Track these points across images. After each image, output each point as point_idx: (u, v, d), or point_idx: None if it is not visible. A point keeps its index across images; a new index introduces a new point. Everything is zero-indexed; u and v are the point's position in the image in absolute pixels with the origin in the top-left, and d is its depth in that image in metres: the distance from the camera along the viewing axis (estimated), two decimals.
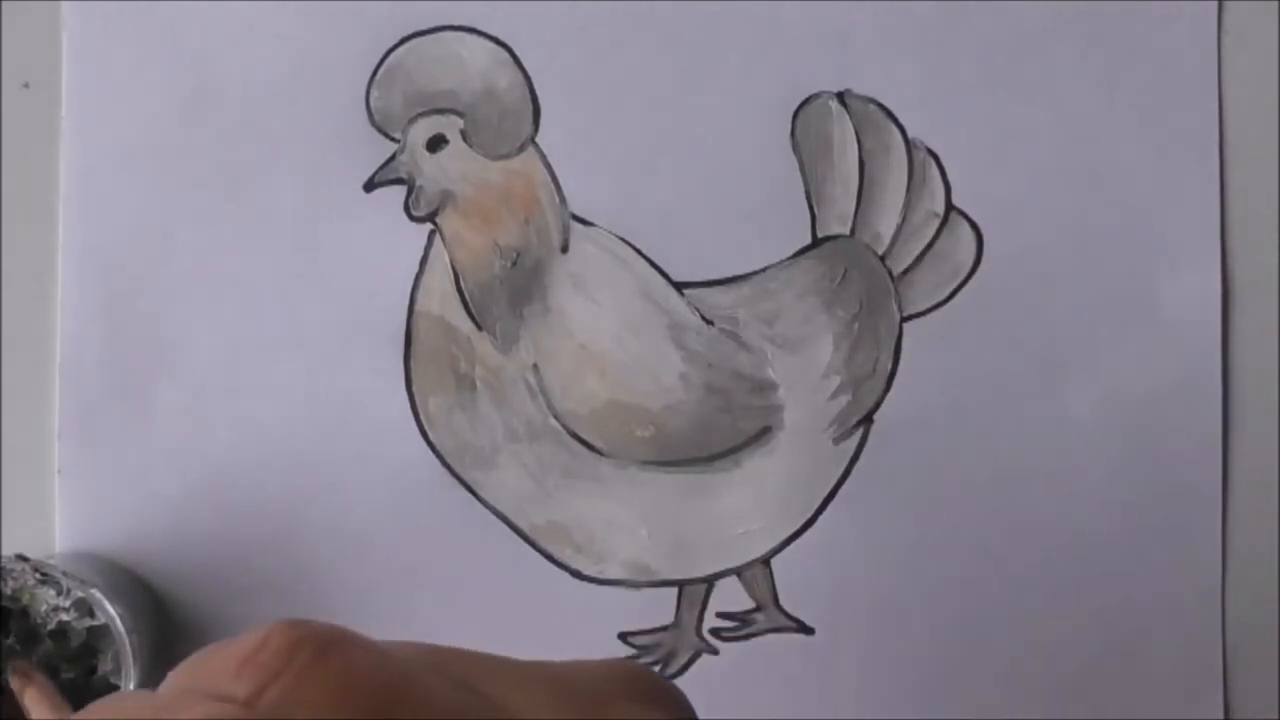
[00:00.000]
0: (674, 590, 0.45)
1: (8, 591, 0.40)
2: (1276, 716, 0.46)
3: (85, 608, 0.40)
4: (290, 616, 0.27)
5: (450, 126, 0.45)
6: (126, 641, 0.39)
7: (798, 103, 0.46)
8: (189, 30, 0.45)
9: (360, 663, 0.28)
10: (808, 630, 0.46)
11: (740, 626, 0.46)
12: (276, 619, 0.27)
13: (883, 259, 0.46)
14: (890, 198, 0.46)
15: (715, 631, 0.46)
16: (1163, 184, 0.46)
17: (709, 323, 0.45)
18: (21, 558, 0.39)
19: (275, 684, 0.26)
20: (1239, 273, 0.47)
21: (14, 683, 0.40)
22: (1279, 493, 0.46)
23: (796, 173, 0.46)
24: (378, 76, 0.45)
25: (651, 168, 0.45)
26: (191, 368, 0.44)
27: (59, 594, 0.40)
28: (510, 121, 0.45)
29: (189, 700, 0.27)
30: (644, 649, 0.45)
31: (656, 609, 0.45)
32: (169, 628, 0.44)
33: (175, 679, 0.28)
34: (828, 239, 0.46)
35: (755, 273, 0.46)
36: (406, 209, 0.45)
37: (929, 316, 0.46)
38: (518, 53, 0.45)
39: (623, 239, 0.45)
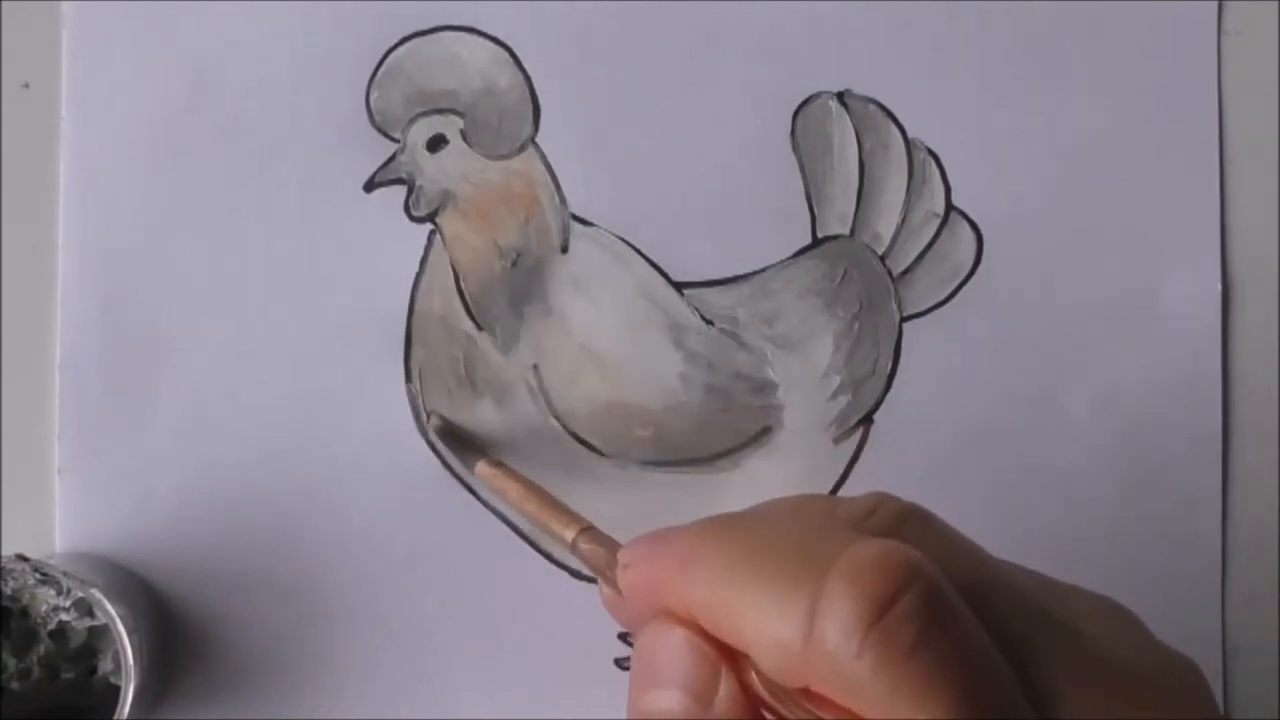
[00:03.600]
0: None
1: (8, 591, 0.40)
2: (1277, 716, 0.46)
3: (85, 608, 0.40)
4: (882, 492, 0.30)
5: (450, 126, 0.45)
6: (126, 641, 0.39)
7: (798, 103, 0.46)
8: (189, 30, 0.45)
9: (957, 536, 0.30)
10: None
11: None
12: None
13: (883, 259, 0.46)
14: (890, 198, 0.46)
15: None
16: (1163, 184, 0.46)
17: (709, 323, 0.45)
18: (21, 558, 0.39)
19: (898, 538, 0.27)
20: (1239, 273, 0.47)
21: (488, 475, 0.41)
22: (1279, 493, 0.46)
23: (796, 173, 0.46)
24: (378, 76, 0.45)
25: (651, 168, 0.45)
26: (191, 367, 0.44)
27: (59, 594, 0.40)
28: (510, 121, 0.45)
29: (835, 530, 0.28)
30: None
31: None
32: (169, 628, 0.44)
33: (769, 515, 0.30)
34: (828, 239, 0.46)
35: (755, 273, 0.46)
36: (406, 209, 0.45)
37: (929, 316, 0.46)
38: (518, 53, 0.45)
39: (623, 239, 0.45)
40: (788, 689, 0.27)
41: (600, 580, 0.35)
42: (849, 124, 0.46)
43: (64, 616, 0.40)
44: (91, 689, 0.41)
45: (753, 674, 0.28)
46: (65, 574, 0.39)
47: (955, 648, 0.25)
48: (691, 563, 0.29)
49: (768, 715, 0.28)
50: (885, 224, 0.46)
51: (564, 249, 0.45)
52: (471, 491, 0.45)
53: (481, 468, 0.42)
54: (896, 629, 0.25)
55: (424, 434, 0.45)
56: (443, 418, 0.44)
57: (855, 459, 0.46)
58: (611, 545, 0.34)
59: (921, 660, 0.25)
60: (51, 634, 0.40)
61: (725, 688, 0.28)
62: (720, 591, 0.28)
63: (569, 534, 0.36)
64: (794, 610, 0.26)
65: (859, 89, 0.46)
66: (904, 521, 0.30)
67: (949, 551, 0.29)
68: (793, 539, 0.28)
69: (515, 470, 0.41)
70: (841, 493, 0.46)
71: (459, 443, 0.44)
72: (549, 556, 0.45)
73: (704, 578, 0.28)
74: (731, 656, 0.28)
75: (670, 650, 0.29)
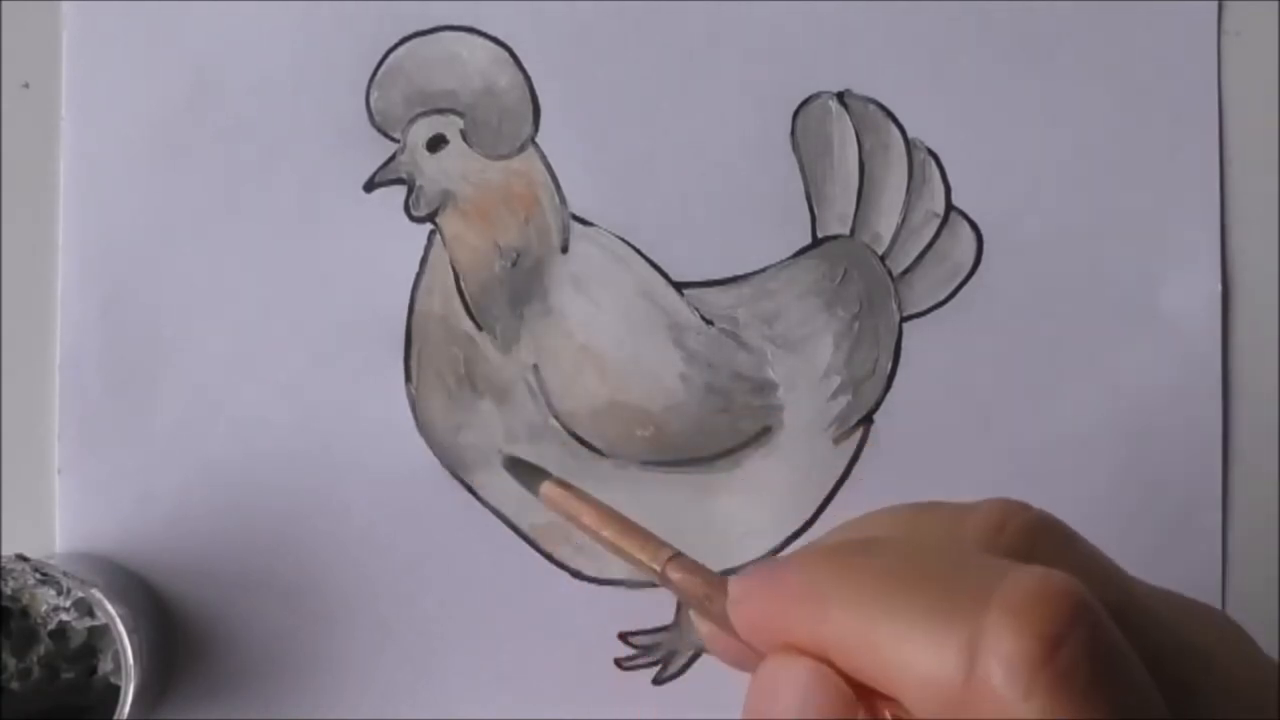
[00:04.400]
0: None
1: (8, 591, 0.40)
2: (1276, 715, 0.46)
3: (85, 608, 0.40)
4: (1009, 500, 0.28)
5: (450, 126, 0.45)
6: (127, 641, 0.39)
7: (798, 103, 0.46)
8: (189, 30, 0.45)
9: (1097, 554, 0.28)
10: None
11: None
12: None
13: (883, 259, 0.46)
14: (890, 198, 0.46)
15: None
16: (1163, 184, 0.46)
17: (709, 323, 0.45)
18: (21, 558, 0.39)
19: (1029, 556, 0.26)
20: (1239, 273, 0.47)
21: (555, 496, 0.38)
22: (1279, 493, 0.46)
23: (796, 173, 0.46)
24: (378, 76, 0.45)
25: (651, 168, 0.45)
26: (191, 367, 0.44)
27: (59, 594, 0.40)
28: (510, 121, 0.45)
29: (978, 556, 0.27)
30: (644, 649, 0.45)
31: (656, 609, 0.45)
32: (169, 628, 0.44)
33: (891, 543, 0.28)
34: (828, 239, 0.46)
35: (755, 273, 0.46)
36: (406, 209, 0.45)
37: (929, 316, 0.46)
38: (518, 53, 0.45)
39: (623, 239, 0.45)
40: None
41: (696, 612, 0.32)
42: (849, 124, 0.46)
43: (64, 616, 0.40)
44: (91, 689, 0.41)
45: (885, 713, 0.26)
46: (65, 574, 0.39)
47: (1127, 691, 0.24)
48: (820, 596, 0.27)
49: None
50: (885, 224, 0.46)
51: (564, 249, 0.45)
52: (471, 491, 0.45)
53: (546, 489, 0.39)
54: (1069, 670, 0.23)
55: (424, 434, 0.45)
56: (509, 456, 0.43)
57: (855, 459, 0.46)
58: (705, 574, 0.32)
59: (1096, 704, 0.23)
60: (51, 634, 0.40)
61: None
62: (859, 627, 0.26)
63: (656, 562, 0.33)
64: (951, 647, 0.24)
65: (859, 89, 0.46)
66: (1039, 537, 0.28)
67: (1093, 572, 0.27)
68: (933, 565, 0.26)
69: (584, 493, 0.38)
70: (842, 492, 0.46)
71: (522, 470, 0.42)
72: (549, 556, 0.45)
73: (837, 613, 0.26)
74: (865, 697, 0.26)
75: (800, 684, 0.27)
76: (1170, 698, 0.25)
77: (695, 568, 0.32)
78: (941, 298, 0.46)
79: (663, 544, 0.33)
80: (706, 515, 0.45)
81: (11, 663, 0.40)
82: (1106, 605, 0.25)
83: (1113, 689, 0.24)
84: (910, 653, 0.25)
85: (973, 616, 0.24)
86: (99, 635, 0.41)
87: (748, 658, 0.29)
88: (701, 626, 0.32)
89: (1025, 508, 0.29)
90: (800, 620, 0.27)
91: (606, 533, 0.36)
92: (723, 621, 0.30)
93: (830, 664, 0.27)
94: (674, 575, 0.32)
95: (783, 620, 0.28)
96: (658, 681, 0.45)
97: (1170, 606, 0.28)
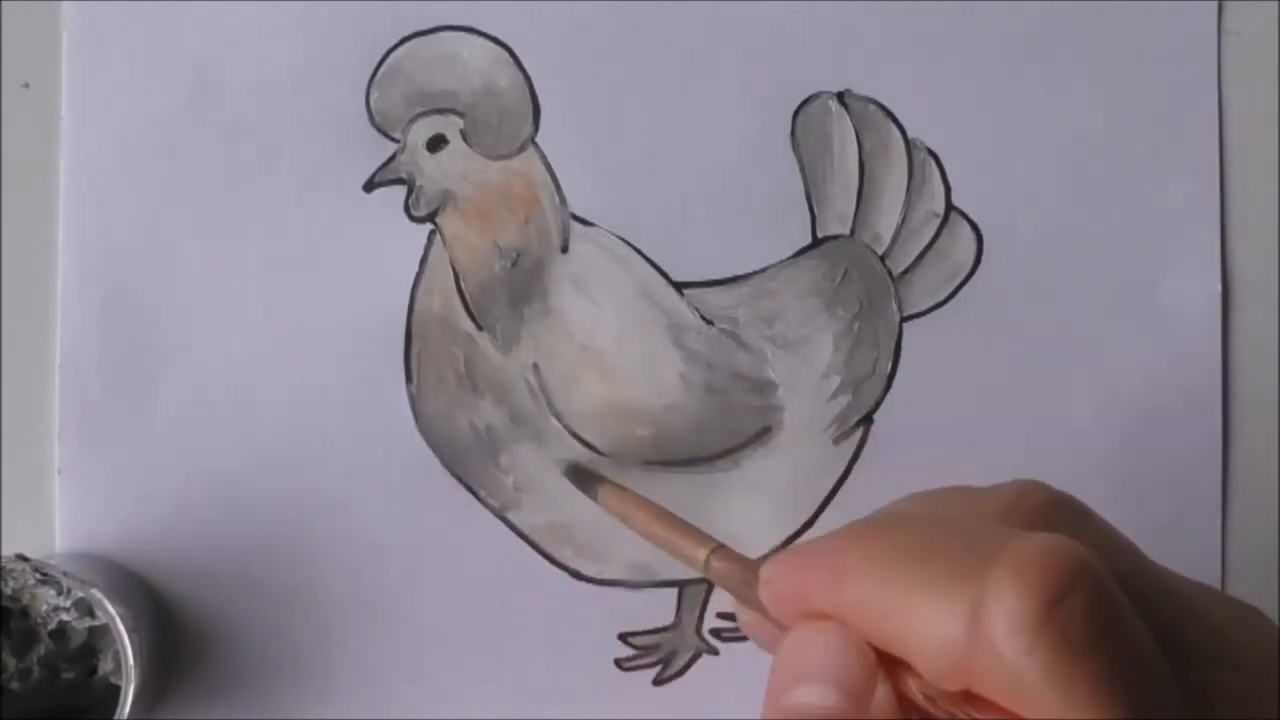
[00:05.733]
0: (674, 590, 0.45)
1: (8, 591, 0.40)
2: (1277, 715, 0.46)
3: (85, 608, 0.40)
4: (1029, 480, 0.29)
5: (450, 126, 0.45)
6: (127, 641, 0.39)
7: (798, 103, 0.46)
8: (189, 30, 0.45)
9: (1112, 530, 0.29)
10: None
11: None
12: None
13: (883, 259, 0.46)
14: (890, 198, 0.46)
15: (715, 632, 0.46)
16: (1163, 184, 0.46)
17: (709, 323, 0.45)
18: (21, 558, 0.39)
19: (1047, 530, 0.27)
20: (1239, 273, 0.47)
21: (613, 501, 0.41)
22: (1279, 493, 0.46)
23: (796, 173, 0.46)
24: (378, 76, 0.45)
25: (651, 168, 0.45)
26: (191, 367, 0.44)
27: (59, 594, 0.40)
28: (510, 121, 0.45)
29: (989, 526, 0.27)
30: (644, 649, 0.45)
31: (656, 609, 0.45)
32: (169, 628, 0.44)
33: (912, 515, 0.29)
34: (828, 239, 0.46)
35: (755, 273, 0.46)
36: (406, 209, 0.45)
37: (929, 316, 0.46)
38: (518, 53, 0.45)
39: (623, 239, 0.45)
40: (948, 693, 0.26)
41: (737, 601, 0.33)
42: (849, 124, 0.46)
43: (64, 616, 0.40)
44: (91, 689, 0.41)
45: (909, 681, 0.27)
46: (65, 574, 0.39)
47: (1127, 651, 0.25)
48: (841, 568, 0.28)
49: None
50: (885, 224, 0.46)
51: (564, 249, 0.45)
52: (471, 491, 0.45)
53: (605, 493, 0.42)
54: (1069, 626, 0.24)
55: (424, 434, 0.45)
56: (570, 464, 0.44)
57: (855, 459, 0.46)
58: (746, 563, 0.33)
59: (1095, 660, 0.24)
60: (51, 634, 0.40)
61: (883, 691, 0.27)
62: (875, 593, 0.27)
63: (700, 554, 0.35)
64: (957, 607, 0.25)
65: (859, 89, 0.46)
66: (1056, 512, 0.29)
67: (1106, 545, 0.28)
68: (946, 536, 0.27)
69: (639, 496, 0.41)
70: (842, 492, 0.46)
71: (582, 475, 0.44)
72: (549, 556, 0.45)
73: (856, 582, 0.27)
74: (886, 665, 0.27)
75: (826, 645, 0.27)
76: (1180, 669, 0.26)
77: (736, 558, 0.34)
78: (941, 298, 0.46)
79: (708, 538, 0.35)
80: (706, 515, 0.45)
81: (11, 663, 0.40)
82: (1118, 576, 0.26)
83: (1112, 646, 0.24)
84: (920, 615, 0.26)
85: (978, 579, 0.25)
86: (99, 635, 0.41)
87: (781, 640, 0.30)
88: (742, 615, 0.33)
89: (1044, 487, 0.29)
90: (823, 591, 0.28)
91: (657, 530, 0.38)
92: (759, 606, 0.31)
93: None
94: (716, 565, 0.34)
95: (807, 593, 0.29)
96: (658, 681, 0.45)
97: (1185, 585, 0.29)
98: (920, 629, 0.26)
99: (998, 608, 0.24)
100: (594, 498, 0.43)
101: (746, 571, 0.32)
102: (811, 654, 0.28)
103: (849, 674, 0.27)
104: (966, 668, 0.25)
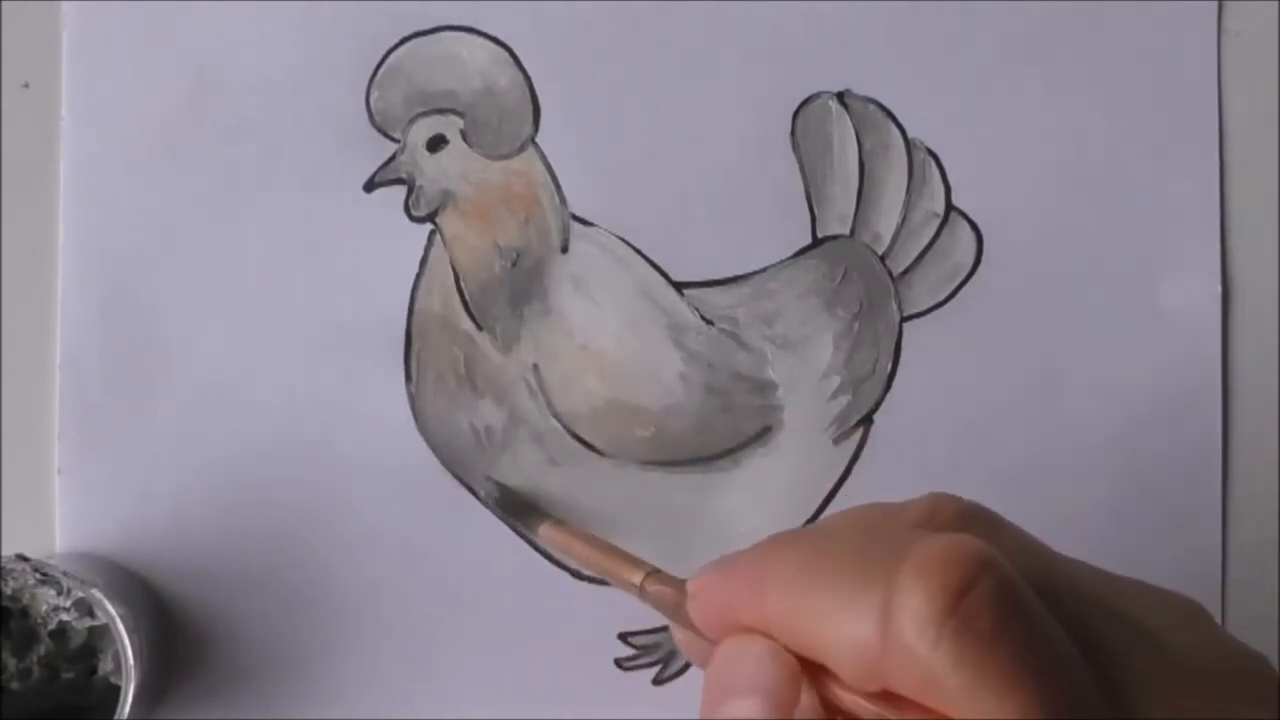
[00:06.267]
0: None
1: (8, 591, 0.40)
2: (1276, 715, 0.46)
3: (85, 608, 0.40)
4: (941, 493, 0.30)
5: (450, 126, 0.45)
6: (127, 641, 0.39)
7: (798, 103, 0.46)
8: (189, 30, 0.45)
9: (1022, 534, 0.30)
10: None
11: None
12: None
13: (883, 259, 0.46)
14: (890, 198, 0.46)
15: None
16: (1163, 184, 0.46)
17: (709, 323, 0.45)
18: (21, 558, 0.39)
19: None
20: (1239, 273, 0.47)
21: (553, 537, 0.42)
22: (1279, 493, 0.46)
23: (796, 173, 0.46)
24: (378, 76, 0.45)
25: (651, 168, 0.45)
26: (191, 367, 0.44)
27: (59, 594, 0.40)
28: (510, 121, 0.45)
29: (901, 531, 0.28)
30: (644, 649, 0.45)
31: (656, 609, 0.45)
32: (169, 628, 0.44)
33: (830, 527, 0.30)
34: (828, 239, 0.46)
35: (755, 273, 0.46)
36: (406, 209, 0.45)
37: (929, 316, 0.46)
38: (518, 53, 0.45)
39: (623, 239, 0.45)
40: (868, 694, 0.27)
41: (671, 622, 0.34)
42: (849, 124, 0.46)
43: (64, 616, 0.40)
44: (91, 689, 0.41)
45: (832, 686, 0.28)
46: (65, 574, 0.39)
47: (1033, 638, 0.25)
48: (761, 578, 0.29)
49: None
50: (885, 224, 0.46)
51: (564, 249, 0.45)
52: (471, 491, 0.45)
53: (545, 530, 0.42)
54: (973, 616, 0.25)
55: (424, 434, 0.45)
56: (498, 484, 0.44)
57: (855, 459, 0.46)
58: (678, 584, 0.34)
59: (1001, 648, 0.25)
60: (51, 634, 0.40)
61: (807, 698, 0.28)
62: (793, 601, 0.27)
63: (635, 579, 0.36)
64: (867, 609, 0.26)
65: (859, 89, 0.46)
66: (968, 521, 0.30)
67: (1017, 549, 0.29)
68: (860, 543, 0.28)
69: (577, 529, 0.42)
70: (842, 492, 0.46)
71: (517, 507, 0.44)
72: (549, 556, 0.45)
73: (775, 591, 0.28)
74: (810, 671, 0.28)
75: (751, 659, 0.28)
76: (1100, 665, 0.26)
77: (669, 580, 0.34)
78: (941, 298, 0.46)
79: (642, 563, 0.36)
80: (706, 515, 0.45)
81: (11, 663, 0.40)
82: (1028, 575, 0.26)
83: (1018, 635, 0.25)
84: (834, 620, 0.26)
85: (885, 580, 0.26)
86: (99, 635, 0.41)
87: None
88: (677, 634, 0.34)
89: (955, 499, 0.30)
90: (745, 604, 0.29)
91: (596, 560, 0.39)
92: (690, 623, 0.31)
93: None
94: (650, 589, 0.35)
95: (731, 606, 0.29)
96: (658, 681, 0.45)
97: (1108, 582, 0.29)
98: (835, 634, 0.26)
99: (904, 606, 0.25)
100: (532, 531, 0.43)
101: (679, 593, 0.33)
102: (738, 668, 0.28)
103: (774, 685, 0.28)
104: (881, 668, 0.26)
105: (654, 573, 0.35)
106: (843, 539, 0.28)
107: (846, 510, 0.32)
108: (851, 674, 0.27)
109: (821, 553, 0.28)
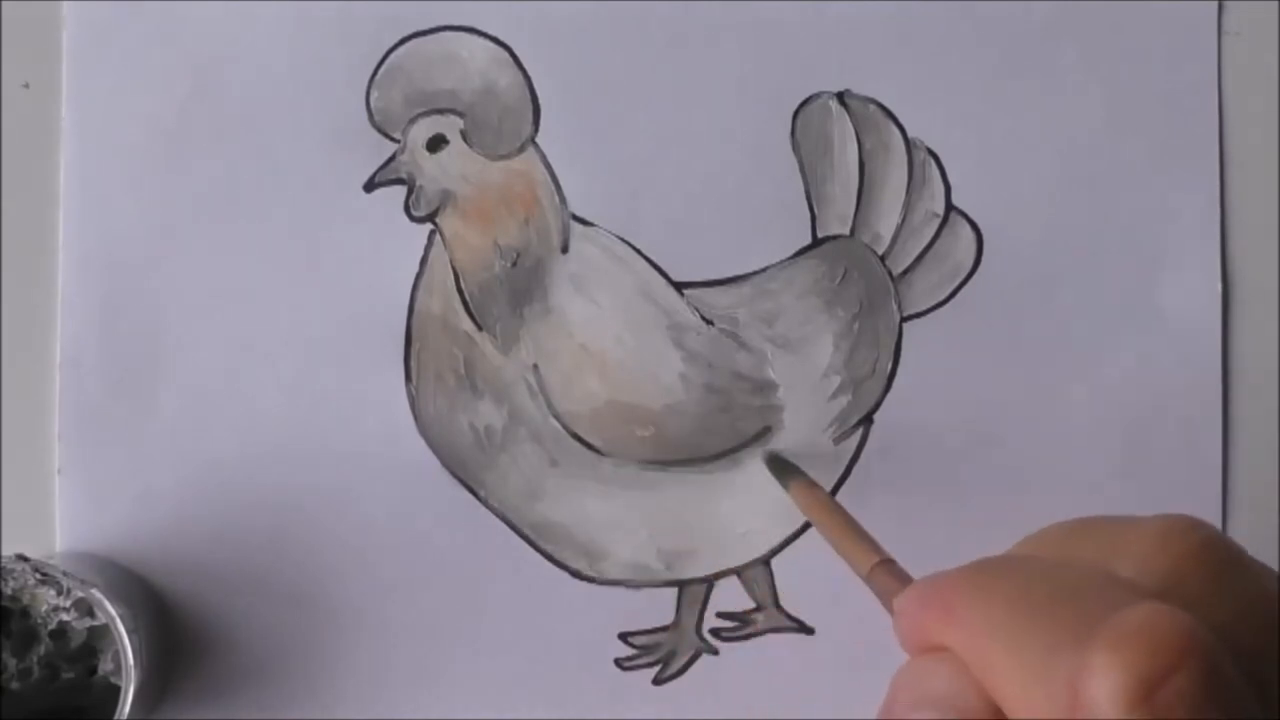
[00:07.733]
0: (674, 590, 0.45)
1: (8, 591, 0.40)
2: (1276, 715, 0.46)
3: (85, 608, 0.40)
4: (1179, 517, 0.27)
5: (450, 126, 0.45)
6: (127, 641, 0.39)
7: (798, 103, 0.46)
8: (189, 30, 0.45)
9: (1263, 579, 0.27)
10: (808, 630, 0.46)
11: (740, 626, 0.46)
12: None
13: (883, 259, 0.46)
14: (890, 198, 0.46)
15: (715, 631, 0.46)
16: (1163, 184, 0.46)
17: (709, 323, 0.45)
18: (21, 558, 0.39)
19: (1190, 582, 0.26)
20: (1239, 273, 0.47)
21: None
22: (1279, 493, 0.46)
23: (796, 173, 0.46)
24: (378, 77, 0.45)
25: (651, 168, 0.45)
26: (192, 368, 0.44)
27: (59, 594, 0.40)
28: (510, 121, 0.45)
29: (1105, 586, 0.26)
30: (644, 649, 0.45)
31: (656, 609, 0.45)
32: (169, 628, 0.44)
33: (1033, 564, 0.28)
34: (828, 239, 0.46)
35: (755, 273, 0.46)
36: (406, 209, 0.45)
37: (929, 316, 0.46)
38: (518, 53, 0.45)
39: (623, 239, 0.45)
40: None
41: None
42: (849, 124, 0.46)
43: (64, 616, 0.40)
44: (91, 689, 0.41)
45: None
46: (65, 574, 0.39)
47: None
48: (950, 608, 0.27)
49: None
50: (885, 224, 0.46)
51: (564, 249, 0.45)
52: (471, 491, 0.45)
53: (795, 488, 0.42)
54: (1168, 712, 0.23)
55: (424, 434, 0.45)
56: (770, 452, 0.45)
57: (855, 459, 0.46)
58: (900, 582, 0.33)
59: None
60: (51, 634, 0.40)
61: None
62: (980, 645, 0.26)
63: (866, 565, 0.35)
64: (1054, 680, 0.24)
65: (859, 89, 0.46)
66: (1206, 557, 0.27)
67: (1253, 596, 0.26)
68: (1059, 591, 0.26)
69: (827, 497, 0.41)
70: (843, 492, 0.46)
71: (780, 465, 0.44)
72: (549, 556, 0.45)
73: (963, 631, 0.27)
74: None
75: (944, 678, 0.27)
76: None
77: (899, 576, 0.33)
78: (941, 298, 0.46)
79: (879, 550, 0.35)
80: (706, 515, 0.45)
81: (11, 663, 0.40)
82: (1255, 635, 0.25)
83: None
84: (1021, 680, 0.25)
85: (1077, 651, 0.24)
86: (99, 635, 0.41)
87: None
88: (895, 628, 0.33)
89: (1193, 525, 0.28)
90: (935, 629, 0.28)
91: (833, 532, 0.38)
92: None
93: None
94: (875, 580, 0.34)
95: (927, 635, 0.28)
96: (658, 681, 0.45)
97: None
98: (1019, 693, 0.25)
99: (1096, 686, 0.23)
100: (785, 489, 0.43)
101: (899, 591, 0.32)
102: (930, 683, 0.27)
103: (969, 706, 0.26)
104: None
105: (885, 563, 0.34)
106: (1039, 583, 0.26)
107: (1061, 526, 0.30)
108: None
109: (1019, 597, 0.26)
